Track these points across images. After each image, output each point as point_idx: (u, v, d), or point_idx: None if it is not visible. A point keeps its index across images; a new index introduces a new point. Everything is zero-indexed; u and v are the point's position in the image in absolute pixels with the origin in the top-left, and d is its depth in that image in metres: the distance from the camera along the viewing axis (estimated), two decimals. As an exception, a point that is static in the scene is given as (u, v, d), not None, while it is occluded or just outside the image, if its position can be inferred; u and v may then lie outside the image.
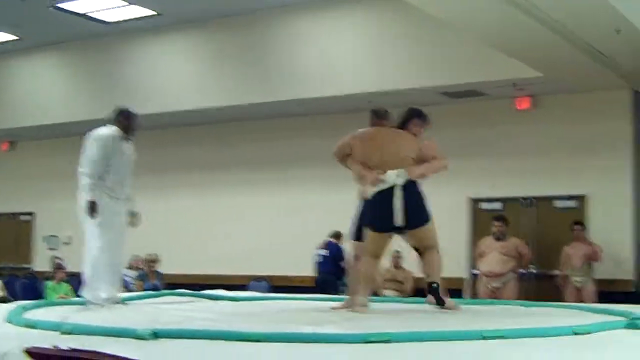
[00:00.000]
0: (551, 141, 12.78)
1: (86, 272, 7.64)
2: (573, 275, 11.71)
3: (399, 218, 6.92)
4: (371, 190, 7.04)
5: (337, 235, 12.95)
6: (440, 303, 6.98)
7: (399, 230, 7.08)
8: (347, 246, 12.27)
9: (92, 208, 7.48)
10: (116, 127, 7.82)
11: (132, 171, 8.00)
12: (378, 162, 7.06)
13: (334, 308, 7.27)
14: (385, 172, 6.98)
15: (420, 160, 7.15)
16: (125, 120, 7.87)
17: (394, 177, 6.95)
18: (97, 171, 7.55)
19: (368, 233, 7.12)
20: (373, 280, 7.40)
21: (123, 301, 7.86)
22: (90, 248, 7.61)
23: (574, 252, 11.76)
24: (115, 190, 7.69)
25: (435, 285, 7.04)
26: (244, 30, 13.87)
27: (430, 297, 7.08)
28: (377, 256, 7.24)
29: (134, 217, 8.03)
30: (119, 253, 7.86)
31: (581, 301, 10.97)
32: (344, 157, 7.39)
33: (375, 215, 7.06)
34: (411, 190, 7.01)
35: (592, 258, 11.71)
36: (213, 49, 14.36)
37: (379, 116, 7.53)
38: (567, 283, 11.76)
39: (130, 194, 8.04)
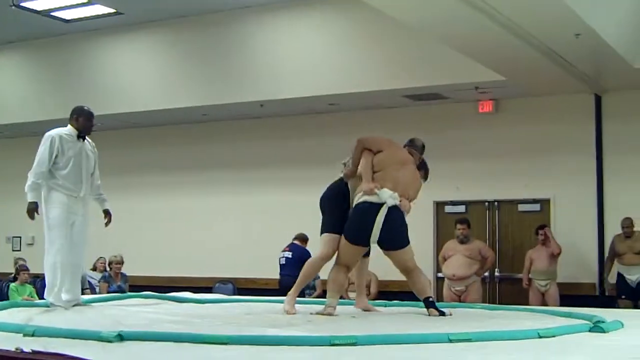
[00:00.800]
0: (514, 144, 12.86)
1: (46, 274, 7.60)
2: (536, 279, 11.79)
3: (375, 236, 6.99)
4: (360, 194, 7.08)
5: (303, 238, 12.94)
6: (441, 314, 7.04)
7: (371, 244, 7.16)
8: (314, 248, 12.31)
9: (34, 209, 7.50)
10: (70, 127, 7.80)
11: (96, 170, 7.97)
12: (387, 177, 7.16)
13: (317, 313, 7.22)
14: (382, 188, 7.03)
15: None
16: (80, 119, 7.82)
17: (388, 196, 7.00)
18: (41, 170, 7.53)
19: (343, 242, 7.14)
20: (342, 287, 7.40)
21: (85, 303, 7.83)
22: (49, 250, 7.58)
23: (537, 256, 11.83)
24: (71, 189, 7.63)
25: (430, 299, 7.24)
26: (207, 31, 13.81)
27: (431, 310, 7.11)
28: (348, 266, 7.30)
29: (107, 216, 8.04)
30: (78, 253, 7.78)
31: (545, 304, 11.05)
32: (365, 148, 7.38)
33: (355, 228, 7.10)
34: (396, 215, 7.06)
35: (552, 256, 11.79)
36: (175, 49, 14.27)
37: (416, 147, 7.86)
38: (531, 286, 11.83)
39: (102, 194, 8.08)
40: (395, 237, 7.10)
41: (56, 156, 7.58)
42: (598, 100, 12.44)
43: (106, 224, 8.06)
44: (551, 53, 10.34)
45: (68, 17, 14.05)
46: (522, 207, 12.94)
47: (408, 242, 7.21)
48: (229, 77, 13.48)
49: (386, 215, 6.97)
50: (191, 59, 14.01)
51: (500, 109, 13.05)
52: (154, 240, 15.35)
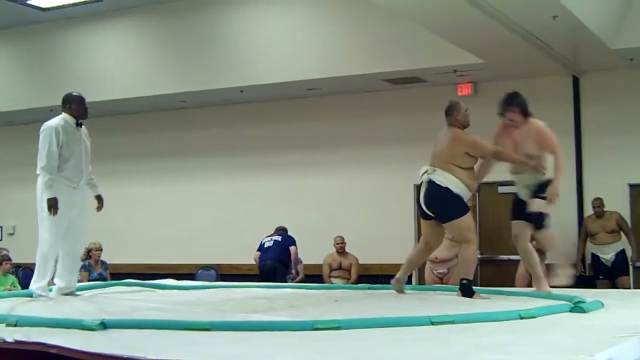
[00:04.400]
0: (493, 127, 12.75)
1: (37, 263, 7.56)
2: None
3: (421, 209, 7.59)
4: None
5: (285, 229, 13.03)
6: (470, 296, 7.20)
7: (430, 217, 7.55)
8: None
9: (54, 205, 7.39)
10: (66, 115, 7.73)
11: (90, 156, 7.93)
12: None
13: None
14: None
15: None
16: (73, 106, 7.76)
17: (422, 172, 7.56)
18: (54, 163, 7.47)
19: None
20: (412, 264, 7.99)
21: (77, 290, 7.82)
22: (42, 240, 7.54)
23: None
24: (73, 179, 7.61)
25: (464, 281, 7.30)
26: (185, 17, 13.75)
27: (459, 292, 7.30)
28: (425, 241, 7.82)
29: (100, 201, 8.00)
30: (77, 242, 7.78)
31: (530, 286, 11.09)
32: None
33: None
34: (432, 188, 7.45)
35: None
36: (154, 36, 14.22)
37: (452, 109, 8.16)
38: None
39: (93, 179, 8.02)
40: (439, 208, 7.48)
41: (61, 147, 7.52)
42: (576, 82, 12.49)
43: (98, 209, 8.01)
44: (529, 35, 10.36)
45: (45, 5, 13.95)
46: (502, 189, 12.96)
47: (454, 216, 7.41)
48: (208, 63, 13.45)
49: (425, 190, 7.46)
50: (170, 46, 13.97)
51: (479, 92, 13.07)
52: (135, 227, 15.32)
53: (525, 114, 7.60)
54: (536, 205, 7.51)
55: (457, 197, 7.36)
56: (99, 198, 8.02)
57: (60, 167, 7.52)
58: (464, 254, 7.50)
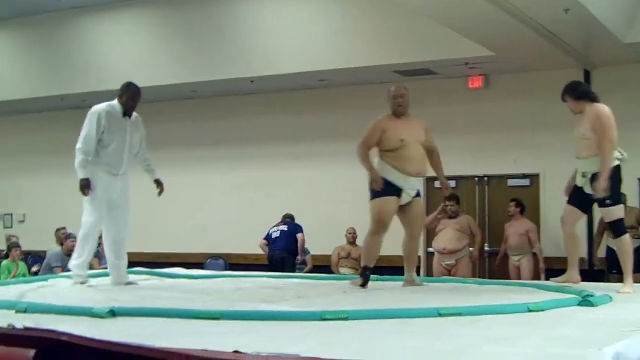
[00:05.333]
0: (504, 120, 12.88)
1: (77, 244, 7.64)
2: (511, 254, 11.87)
3: None
4: None
5: (292, 217, 13.06)
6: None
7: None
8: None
9: (86, 185, 7.38)
10: (116, 102, 7.70)
11: (143, 143, 7.96)
12: None
13: None
14: None
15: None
16: (124, 96, 7.74)
17: None
18: (90, 147, 7.42)
19: None
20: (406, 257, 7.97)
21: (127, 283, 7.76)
22: (84, 223, 7.55)
23: (512, 231, 11.91)
24: (113, 166, 7.58)
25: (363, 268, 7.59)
26: (197, 7, 13.76)
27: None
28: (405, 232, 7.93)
29: (160, 186, 8.06)
30: (117, 231, 7.73)
31: (519, 278, 11.10)
32: None
33: None
34: None
35: (528, 237, 11.88)
36: (165, 26, 14.23)
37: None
38: (508, 261, 11.92)
39: (151, 164, 8.11)
40: None
41: (102, 132, 7.48)
42: (588, 76, 12.45)
43: (159, 194, 8.06)
44: (541, 28, 10.34)
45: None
46: (511, 182, 12.98)
47: (370, 198, 7.63)
48: (219, 53, 13.47)
49: None
50: (181, 36, 13.97)
51: (490, 84, 13.07)
52: (144, 216, 15.26)
53: (580, 98, 7.57)
54: (607, 214, 7.36)
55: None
56: (158, 182, 8.07)
57: (100, 153, 7.49)
58: (364, 240, 7.80)
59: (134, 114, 7.85)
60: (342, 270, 12.81)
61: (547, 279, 11.19)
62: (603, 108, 7.39)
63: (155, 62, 14.17)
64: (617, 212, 7.28)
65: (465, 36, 10.92)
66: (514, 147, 12.71)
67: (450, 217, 11.75)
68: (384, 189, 7.44)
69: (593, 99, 7.52)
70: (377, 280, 8.06)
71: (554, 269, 11.78)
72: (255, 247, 13.21)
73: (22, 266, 12.89)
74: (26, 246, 13.56)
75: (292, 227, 12.91)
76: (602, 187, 6.95)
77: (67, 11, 14.78)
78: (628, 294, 6.73)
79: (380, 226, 7.48)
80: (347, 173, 13.82)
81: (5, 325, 4.39)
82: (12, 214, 17.21)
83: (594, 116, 7.30)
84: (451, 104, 13.25)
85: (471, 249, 11.85)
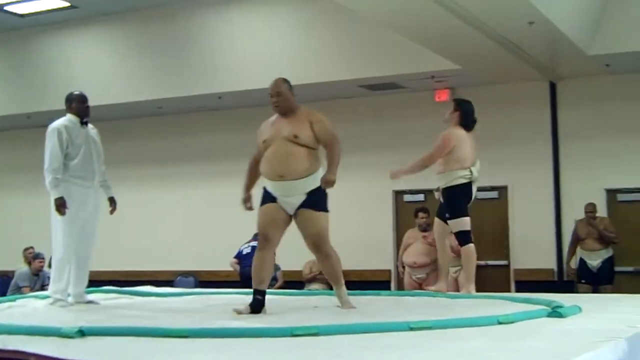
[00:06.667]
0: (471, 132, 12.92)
1: (53, 268, 7.48)
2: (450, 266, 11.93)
3: None
4: None
5: None
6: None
7: None
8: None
9: (61, 204, 7.26)
10: (70, 115, 7.64)
11: (102, 156, 7.82)
12: None
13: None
14: None
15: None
16: (73, 104, 7.67)
17: None
18: (57, 164, 7.33)
19: None
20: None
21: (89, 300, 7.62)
22: (56, 243, 7.42)
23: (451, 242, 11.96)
24: (85, 178, 7.49)
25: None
26: (162, 23, 13.76)
27: None
28: None
29: (113, 204, 7.89)
30: (86, 247, 7.60)
31: (457, 291, 11.12)
32: None
33: None
34: None
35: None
36: (131, 42, 14.21)
37: None
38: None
39: (107, 180, 7.89)
40: None
41: (66, 147, 7.40)
42: (553, 88, 12.56)
43: (111, 212, 7.89)
44: (505, 41, 10.42)
45: (22, 12, 13.92)
46: (480, 195, 12.98)
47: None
48: (185, 69, 13.46)
49: None
50: (146, 52, 13.95)
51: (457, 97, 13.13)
52: (112, 234, 15.16)
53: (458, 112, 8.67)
54: (452, 226, 8.25)
55: None
56: (112, 200, 7.90)
57: (69, 167, 7.39)
58: None
59: (89, 125, 7.78)
60: (314, 286, 12.79)
61: (518, 290, 11.27)
62: (449, 131, 8.53)
63: (120, 78, 14.12)
64: (458, 224, 8.18)
65: (430, 49, 10.96)
66: (481, 159, 12.73)
67: (424, 230, 11.71)
68: (262, 198, 6.85)
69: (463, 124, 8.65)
70: (348, 295, 8.04)
71: (529, 280, 11.89)
72: (225, 264, 13.16)
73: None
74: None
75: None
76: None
77: (32, 28, 14.71)
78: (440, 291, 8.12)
79: (261, 240, 6.75)
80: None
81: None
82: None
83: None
84: (418, 117, 13.28)
85: None
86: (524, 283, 11.75)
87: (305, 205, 6.58)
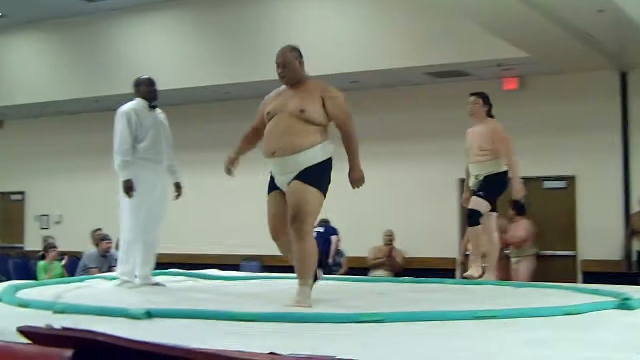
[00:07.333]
0: (539, 122, 12.81)
1: (121, 250, 7.55)
2: (511, 256, 11.88)
3: None
4: None
5: (327, 221, 13.08)
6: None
7: None
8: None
9: (129, 187, 7.29)
10: (139, 99, 7.71)
11: (171, 139, 7.86)
12: None
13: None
14: None
15: None
16: (142, 88, 7.75)
17: None
18: (127, 147, 7.37)
19: None
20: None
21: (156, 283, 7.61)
22: (124, 225, 7.47)
23: (511, 233, 11.88)
24: (155, 161, 7.53)
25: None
26: (232, 9, 13.82)
27: None
28: None
29: (178, 189, 7.91)
30: (153, 229, 7.62)
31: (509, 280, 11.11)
32: None
33: None
34: None
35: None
36: (199, 28, 14.30)
37: None
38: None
39: (175, 165, 7.91)
40: None
41: (135, 129, 7.45)
42: (624, 77, 12.38)
43: (176, 197, 7.91)
44: (575, 29, 10.28)
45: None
46: (547, 185, 12.90)
47: None
48: (254, 55, 13.49)
49: None
50: (214, 38, 14.04)
51: (525, 86, 13.01)
52: (179, 218, 15.33)
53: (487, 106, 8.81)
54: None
55: None
56: (177, 186, 7.91)
57: (139, 150, 7.43)
58: None
59: (158, 109, 7.82)
60: (379, 273, 12.80)
61: (585, 282, 11.15)
62: (498, 124, 8.70)
63: (188, 64, 14.24)
64: (481, 205, 8.27)
65: (499, 37, 10.87)
66: (549, 149, 12.63)
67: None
68: (269, 184, 6.49)
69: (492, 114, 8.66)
70: (413, 282, 8.04)
71: (596, 271, 11.75)
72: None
73: (58, 267, 12.99)
74: (63, 247, 13.65)
75: (327, 230, 12.94)
76: None
77: (100, 14, 14.89)
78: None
79: (274, 239, 6.48)
80: (379, 175, 13.83)
81: (43, 326, 4.43)
82: (48, 215, 17.36)
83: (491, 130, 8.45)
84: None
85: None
86: (592, 274, 11.61)
87: (295, 178, 6.11)
